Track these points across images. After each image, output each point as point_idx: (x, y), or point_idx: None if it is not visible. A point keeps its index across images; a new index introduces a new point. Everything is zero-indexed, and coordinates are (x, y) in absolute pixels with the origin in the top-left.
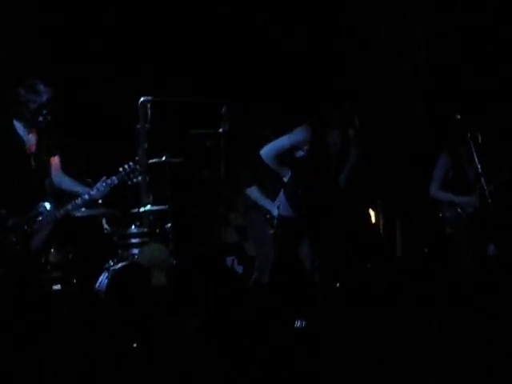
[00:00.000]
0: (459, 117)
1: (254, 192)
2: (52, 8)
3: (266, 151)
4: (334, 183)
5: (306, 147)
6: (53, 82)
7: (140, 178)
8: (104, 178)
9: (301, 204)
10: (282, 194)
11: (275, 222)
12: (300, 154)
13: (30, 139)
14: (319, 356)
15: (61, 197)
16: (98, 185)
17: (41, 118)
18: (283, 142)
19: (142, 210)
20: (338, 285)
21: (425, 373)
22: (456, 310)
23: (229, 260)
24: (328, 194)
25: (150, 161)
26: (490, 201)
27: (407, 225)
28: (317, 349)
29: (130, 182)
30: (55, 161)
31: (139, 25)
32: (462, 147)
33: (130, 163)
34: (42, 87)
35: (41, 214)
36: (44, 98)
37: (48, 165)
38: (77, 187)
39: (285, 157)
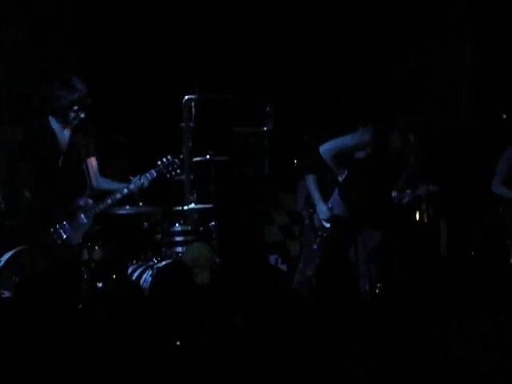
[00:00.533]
0: (505, 116)
1: (310, 180)
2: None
3: (326, 148)
4: (391, 186)
5: (367, 149)
6: (97, 81)
7: (180, 172)
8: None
9: (356, 205)
10: (336, 193)
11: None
12: (360, 155)
13: (64, 136)
14: (363, 357)
15: (100, 196)
16: (136, 178)
17: (72, 115)
18: (346, 141)
19: (186, 208)
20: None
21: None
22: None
23: (272, 259)
24: (384, 197)
25: (195, 159)
26: None
27: (453, 224)
28: (361, 349)
29: (169, 176)
30: (92, 162)
31: (184, 24)
32: None
33: (169, 156)
34: (76, 84)
35: (80, 208)
36: (77, 95)
37: (80, 165)
38: (115, 185)
39: (343, 156)
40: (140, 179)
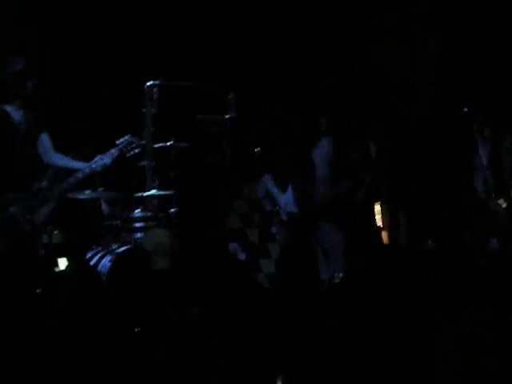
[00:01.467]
0: (466, 110)
1: (268, 180)
2: None
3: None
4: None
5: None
6: (60, 65)
7: (138, 151)
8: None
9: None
10: (290, 189)
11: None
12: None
13: (18, 115)
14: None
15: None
16: (98, 158)
17: (16, 90)
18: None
19: (146, 194)
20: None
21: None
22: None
23: (232, 246)
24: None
25: (156, 145)
26: None
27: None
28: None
29: (128, 154)
30: (43, 139)
31: (147, 8)
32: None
33: (127, 136)
34: (12, 59)
35: (42, 189)
36: (15, 67)
37: (36, 143)
38: (73, 163)
39: None
40: (102, 159)
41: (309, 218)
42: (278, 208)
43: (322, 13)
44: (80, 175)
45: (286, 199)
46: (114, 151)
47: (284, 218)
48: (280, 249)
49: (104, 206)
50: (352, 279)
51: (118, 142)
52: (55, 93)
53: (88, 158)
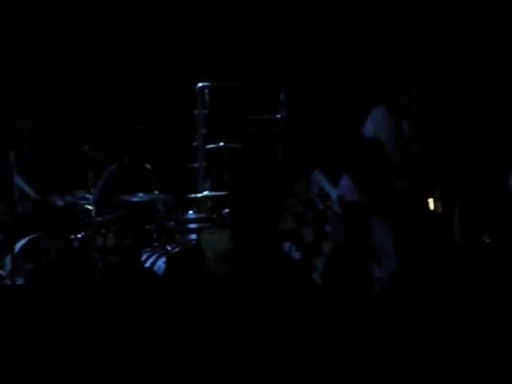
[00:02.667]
0: None
1: (318, 175)
2: None
3: None
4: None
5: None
6: (112, 69)
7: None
8: None
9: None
10: (345, 179)
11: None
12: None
13: None
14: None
15: None
16: None
17: None
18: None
19: (199, 195)
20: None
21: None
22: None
23: (286, 246)
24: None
25: (208, 146)
26: None
27: (467, 213)
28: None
29: None
30: None
31: (199, 10)
32: None
33: None
34: None
35: None
36: None
37: None
38: None
39: None
40: None
41: (372, 204)
42: (330, 203)
43: (369, 12)
44: None
45: (343, 189)
46: None
47: (338, 211)
48: (333, 246)
49: (160, 207)
50: (409, 277)
51: None
52: (107, 96)
53: (141, 160)
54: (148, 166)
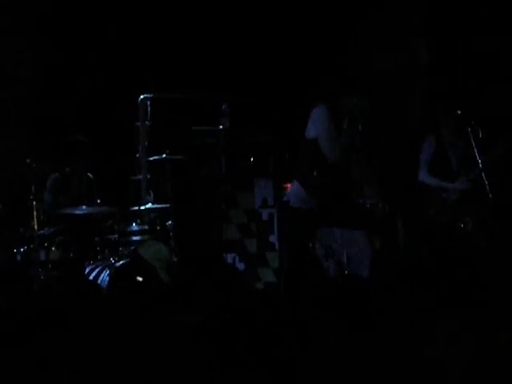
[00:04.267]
0: (459, 112)
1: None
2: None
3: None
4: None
5: None
6: (52, 79)
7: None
8: None
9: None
10: (295, 183)
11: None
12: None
13: None
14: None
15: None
16: None
17: None
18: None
19: (142, 207)
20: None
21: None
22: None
23: (230, 257)
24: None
25: (151, 158)
26: (490, 196)
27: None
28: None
29: None
30: None
31: (139, 22)
32: (445, 131)
33: None
34: None
35: None
36: None
37: None
38: None
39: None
40: None
41: (318, 210)
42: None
43: (315, 16)
44: None
45: (291, 194)
46: None
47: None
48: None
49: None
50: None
51: None
52: (49, 107)
53: (82, 173)
54: (90, 176)
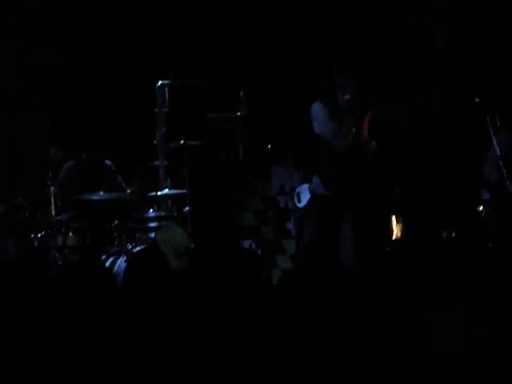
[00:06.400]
0: (478, 100)
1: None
2: None
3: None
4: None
5: None
6: (72, 67)
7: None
8: None
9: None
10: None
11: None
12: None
13: None
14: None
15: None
16: None
17: None
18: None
19: (159, 193)
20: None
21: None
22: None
23: (246, 244)
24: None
25: (168, 144)
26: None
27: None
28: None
29: None
30: None
31: (158, 8)
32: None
33: None
34: None
35: None
36: None
37: None
38: None
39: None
40: None
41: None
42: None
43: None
44: None
45: (315, 183)
46: None
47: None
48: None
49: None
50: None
51: None
52: (69, 94)
53: (103, 159)
54: (108, 163)
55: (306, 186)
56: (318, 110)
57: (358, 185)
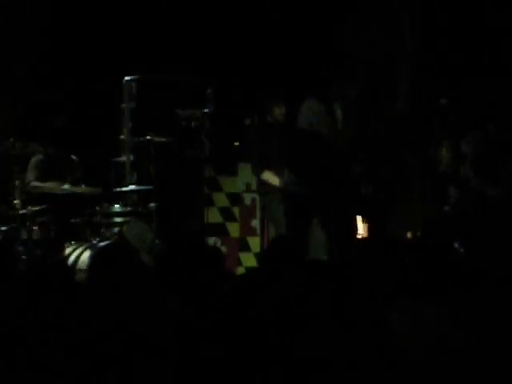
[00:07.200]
0: (444, 102)
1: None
2: None
3: None
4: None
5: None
6: (39, 62)
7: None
8: None
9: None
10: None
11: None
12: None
13: None
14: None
15: None
16: None
17: None
18: None
19: (125, 189)
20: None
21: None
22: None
23: (211, 241)
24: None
25: (135, 140)
26: None
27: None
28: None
29: None
30: None
31: (126, 2)
32: None
33: None
34: None
35: None
36: None
37: None
38: None
39: None
40: None
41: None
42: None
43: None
44: None
45: (287, 180)
46: None
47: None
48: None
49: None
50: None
51: None
52: (34, 89)
53: (65, 154)
54: (74, 157)
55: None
56: (313, 106)
57: (331, 184)
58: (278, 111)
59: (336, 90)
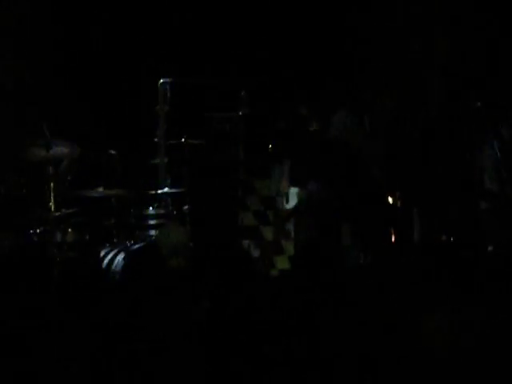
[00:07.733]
0: (479, 104)
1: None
2: None
3: None
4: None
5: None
6: (73, 65)
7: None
8: None
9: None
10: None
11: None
12: None
13: None
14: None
15: None
16: None
17: None
18: None
19: (159, 191)
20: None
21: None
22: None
23: (245, 244)
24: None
25: (169, 142)
26: None
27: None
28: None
29: None
30: None
31: (161, 5)
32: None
33: None
34: None
35: None
36: None
37: None
38: None
39: None
40: None
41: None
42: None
43: (329, 7)
44: None
45: (312, 187)
46: None
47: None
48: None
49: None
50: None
51: None
52: (69, 92)
53: (104, 155)
54: (109, 159)
55: (294, 190)
56: (344, 119)
57: (359, 191)
58: (310, 121)
59: (370, 100)
